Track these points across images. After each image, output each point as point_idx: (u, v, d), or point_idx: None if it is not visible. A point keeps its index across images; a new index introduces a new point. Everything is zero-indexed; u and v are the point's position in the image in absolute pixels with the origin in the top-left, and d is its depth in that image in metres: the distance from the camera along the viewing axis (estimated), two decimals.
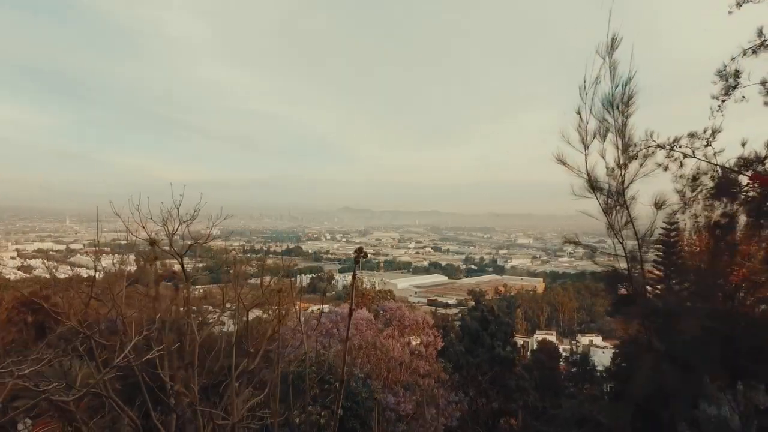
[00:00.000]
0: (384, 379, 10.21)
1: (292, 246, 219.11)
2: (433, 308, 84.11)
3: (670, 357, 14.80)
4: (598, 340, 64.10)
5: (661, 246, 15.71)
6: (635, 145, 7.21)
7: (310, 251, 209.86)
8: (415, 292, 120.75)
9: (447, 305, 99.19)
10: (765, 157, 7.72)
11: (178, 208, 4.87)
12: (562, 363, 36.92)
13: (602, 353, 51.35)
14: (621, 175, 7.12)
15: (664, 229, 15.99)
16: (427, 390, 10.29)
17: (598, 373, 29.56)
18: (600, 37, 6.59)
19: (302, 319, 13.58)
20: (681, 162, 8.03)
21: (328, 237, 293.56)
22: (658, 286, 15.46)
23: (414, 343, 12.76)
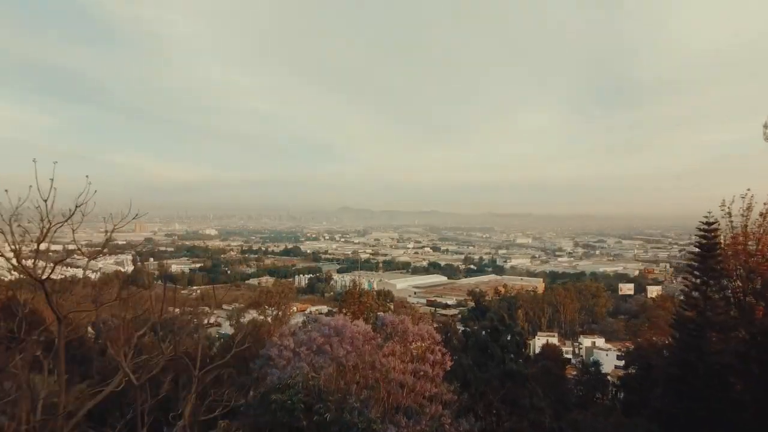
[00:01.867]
0: (384, 404, 8.96)
1: (290, 246, 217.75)
2: (433, 309, 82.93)
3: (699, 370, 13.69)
4: (600, 341, 63.13)
5: (697, 249, 14.64)
6: None
7: (308, 251, 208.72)
8: (414, 293, 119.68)
9: (447, 306, 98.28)
10: None
11: (46, 202, 3.51)
12: (568, 365, 35.90)
13: (605, 355, 50.49)
14: None
15: (700, 230, 14.91)
16: (434, 417, 9.02)
17: (609, 377, 28.59)
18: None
19: (289, 329, 12.41)
20: None
21: (327, 237, 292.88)
22: (694, 293, 14.42)
23: (415, 346, 11.52)
